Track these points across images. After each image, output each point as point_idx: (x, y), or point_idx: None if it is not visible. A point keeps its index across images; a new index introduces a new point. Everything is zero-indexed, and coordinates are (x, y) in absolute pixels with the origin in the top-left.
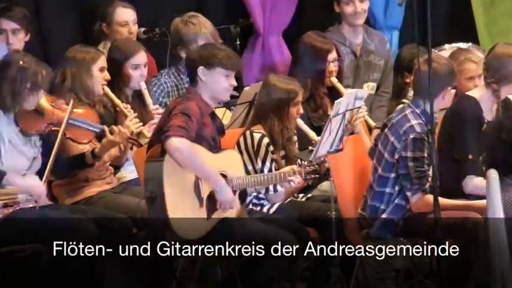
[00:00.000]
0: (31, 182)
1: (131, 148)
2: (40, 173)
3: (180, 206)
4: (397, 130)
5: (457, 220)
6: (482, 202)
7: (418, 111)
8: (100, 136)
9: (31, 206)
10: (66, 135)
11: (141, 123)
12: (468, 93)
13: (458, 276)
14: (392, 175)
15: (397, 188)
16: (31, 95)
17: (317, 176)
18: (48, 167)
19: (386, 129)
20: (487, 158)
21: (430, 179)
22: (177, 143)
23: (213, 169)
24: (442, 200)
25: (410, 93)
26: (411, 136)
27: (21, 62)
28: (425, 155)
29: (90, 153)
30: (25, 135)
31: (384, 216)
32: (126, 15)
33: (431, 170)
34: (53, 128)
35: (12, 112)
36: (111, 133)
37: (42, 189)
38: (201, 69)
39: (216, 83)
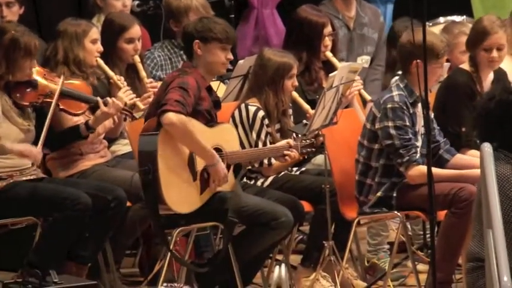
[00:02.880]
0: (25, 146)
1: (125, 119)
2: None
3: (174, 179)
4: (379, 100)
5: (452, 190)
6: (477, 172)
7: (402, 85)
8: (94, 109)
9: (25, 179)
10: (60, 106)
11: (135, 95)
12: (461, 66)
13: (452, 247)
14: (376, 146)
15: (381, 162)
16: (25, 62)
17: (313, 149)
18: (42, 136)
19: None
20: (478, 131)
21: (419, 150)
22: (173, 117)
23: (207, 145)
24: (436, 171)
25: None
26: (389, 105)
27: (13, 31)
28: (407, 123)
29: (84, 125)
30: (18, 108)
31: (378, 194)
32: None
33: (419, 141)
34: (46, 99)
35: (5, 80)
36: (105, 104)
37: (37, 151)
38: (197, 43)
39: (212, 57)
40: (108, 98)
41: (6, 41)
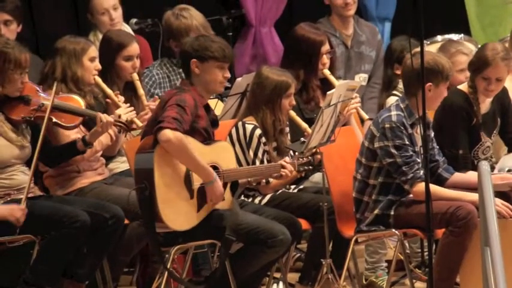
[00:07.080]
0: (10, 207)
1: (119, 132)
2: (30, 163)
3: (171, 197)
4: (377, 119)
5: (450, 209)
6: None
7: (402, 106)
8: (88, 125)
9: (22, 197)
10: (53, 119)
11: (134, 111)
12: (459, 86)
13: (449, 265)
14: (375, 164)
15: (380, 180)
16: (15, 75)
17: (310, 167)
18: (36, 151)
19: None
20: None
21: (422, 166)
22: (170, 134)
23: (204, 162)
24: (439, 190)
25: (401, 84)
26: (387, 125)
27: (2, 45)
28: (406, 142)
29: (81, 140)
30: (12, 124)
31: (376, 212)
32: (103, 3)
33: (421, 158)
34: (38, 114)
35: None
36: (99, 120)
37: (21, 213)
38: (194, 62)
39: (210, 75)
40: (100, 114)
41: None
